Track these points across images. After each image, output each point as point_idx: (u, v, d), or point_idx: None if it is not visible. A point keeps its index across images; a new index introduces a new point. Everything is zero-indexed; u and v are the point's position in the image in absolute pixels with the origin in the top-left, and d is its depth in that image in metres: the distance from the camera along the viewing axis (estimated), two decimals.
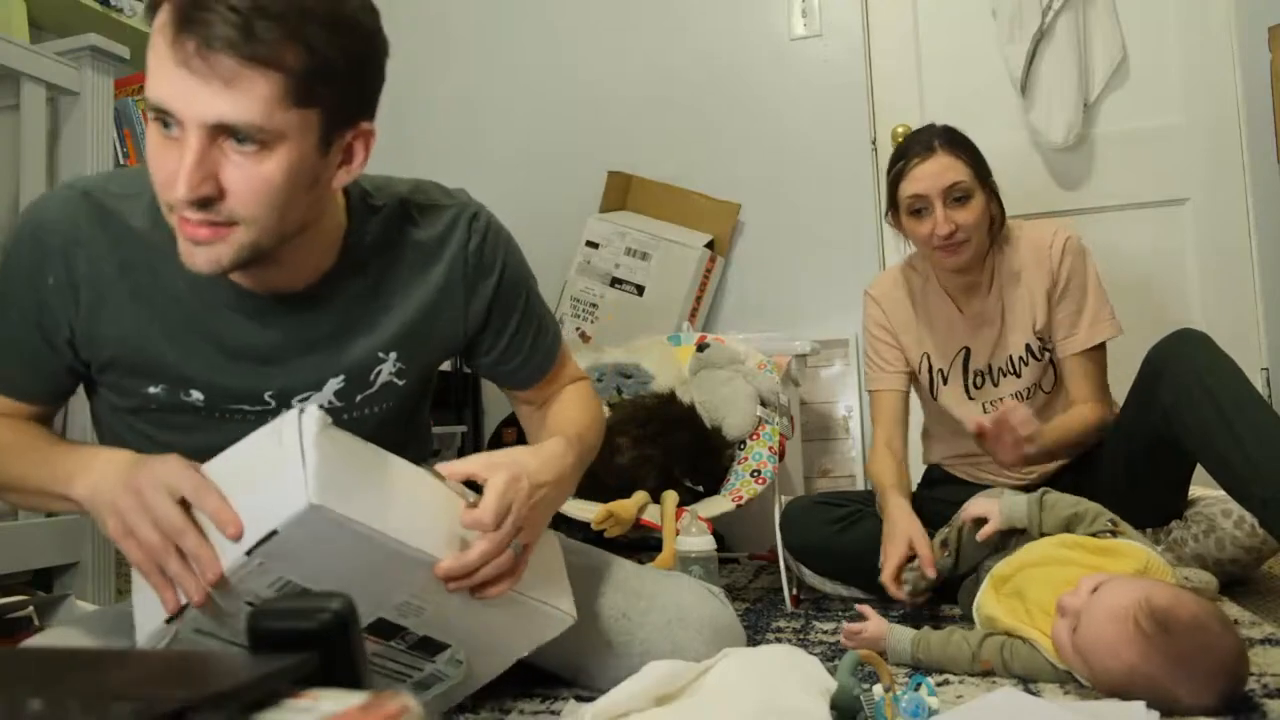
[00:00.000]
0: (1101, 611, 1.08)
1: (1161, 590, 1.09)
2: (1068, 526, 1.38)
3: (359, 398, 1.08)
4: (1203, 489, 1.74)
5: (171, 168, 0.84)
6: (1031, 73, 2.51)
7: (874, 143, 2.67)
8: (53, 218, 0.99)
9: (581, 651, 1.19)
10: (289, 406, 1.02)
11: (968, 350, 1.83)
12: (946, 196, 1.70)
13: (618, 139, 2.85)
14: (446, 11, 3.02)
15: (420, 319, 1.09)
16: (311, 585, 0.88)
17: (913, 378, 1.91)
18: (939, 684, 1.20)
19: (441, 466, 0.99)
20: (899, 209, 1.78)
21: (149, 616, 0.89)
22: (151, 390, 1.02)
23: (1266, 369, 2.37)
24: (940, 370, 1.86)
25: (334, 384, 1.05)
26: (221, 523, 0.84)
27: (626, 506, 1.77)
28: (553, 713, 1.16)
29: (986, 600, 1.33)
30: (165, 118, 0.84)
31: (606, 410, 1.98)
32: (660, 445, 1.87)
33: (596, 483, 1.88)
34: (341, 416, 1.05)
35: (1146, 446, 1.62)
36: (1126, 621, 1.05)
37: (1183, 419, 1.50)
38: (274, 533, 0.83)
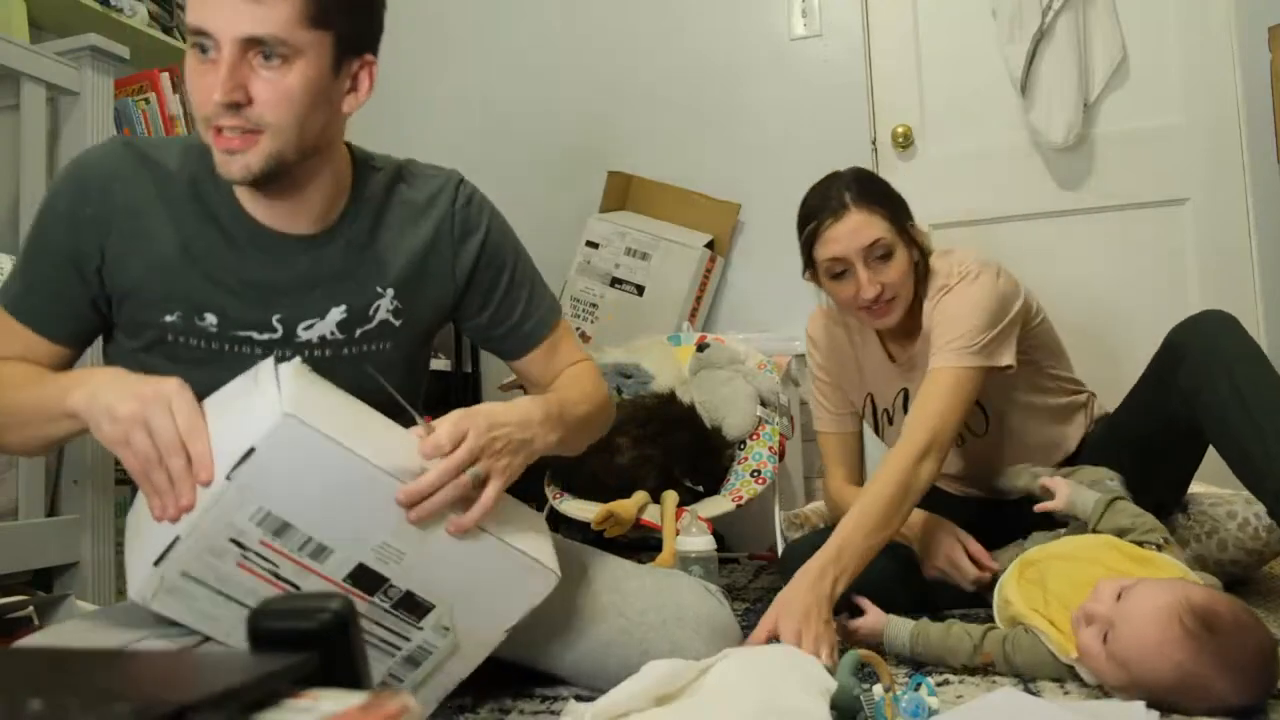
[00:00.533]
0: (1140, 615, 1.07)
1: (1196, 590, 1.09)
2: (1120, 533, 1.37)
3: (359, 332, 1.17)
4: (1202, 486, 1.74)
5: (209, 84, 0.99)
6: (1031, 73, 2.51)
7: (874, 143, 2.67)
8: (93, 160, 1.12)
9: (579, 651, 1.19)
10: (294, 334, 1.13)
11: (905, 391, 1.75)
12: (868, 256, 1.57)
13: (618, 139, 2.85)
14: (446, 11, 3.02)
15: (412, 266, 1.20)
16: (291, 520, 0.92)
17: (861, 418, 1.85)
18: (939, 684, 1.20)
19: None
20: (818, 271, 1.64)
21: (139, 564, 0.92)
22: (168, 319, 1.11)
23: None
24: (885, 410, 1.79)
25: (336, 314, 1.15)
26: (198, 460, 0.89)
27: (626, 506, 1.78)
28: (553, 713, 1.16)
29: (1008, 582, 1.33)
30: (203, 41, 0.99)
31: None
32: (660, 445, 1.87)
33: (596, 483, 1.88)
34: (342, 351, 1.16)
35: (1161, 428, 1.57)
36: (1171, 623, 1.04)
37: (1203, 402, 1.45)
38: (251, 450, 0.88)
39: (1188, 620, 1.03)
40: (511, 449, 1.05)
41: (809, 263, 1.67)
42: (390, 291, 1.18)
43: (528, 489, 2.49)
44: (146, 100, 2.29)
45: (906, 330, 1.69)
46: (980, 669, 1.27)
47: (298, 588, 0.95)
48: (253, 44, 0.98)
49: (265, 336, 1.13)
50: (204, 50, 1.00)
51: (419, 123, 2.92)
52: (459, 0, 3.02)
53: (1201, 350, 1.48)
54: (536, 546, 1.07)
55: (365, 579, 0.97)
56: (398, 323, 1.20)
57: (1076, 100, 2.48)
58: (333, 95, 1.06)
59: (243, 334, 1.12)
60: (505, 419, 1.06)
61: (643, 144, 2.82)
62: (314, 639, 0.53)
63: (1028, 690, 1.17)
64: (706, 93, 2.80)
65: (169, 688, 0.47)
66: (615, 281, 2.65)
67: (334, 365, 1.14)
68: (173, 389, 0.92)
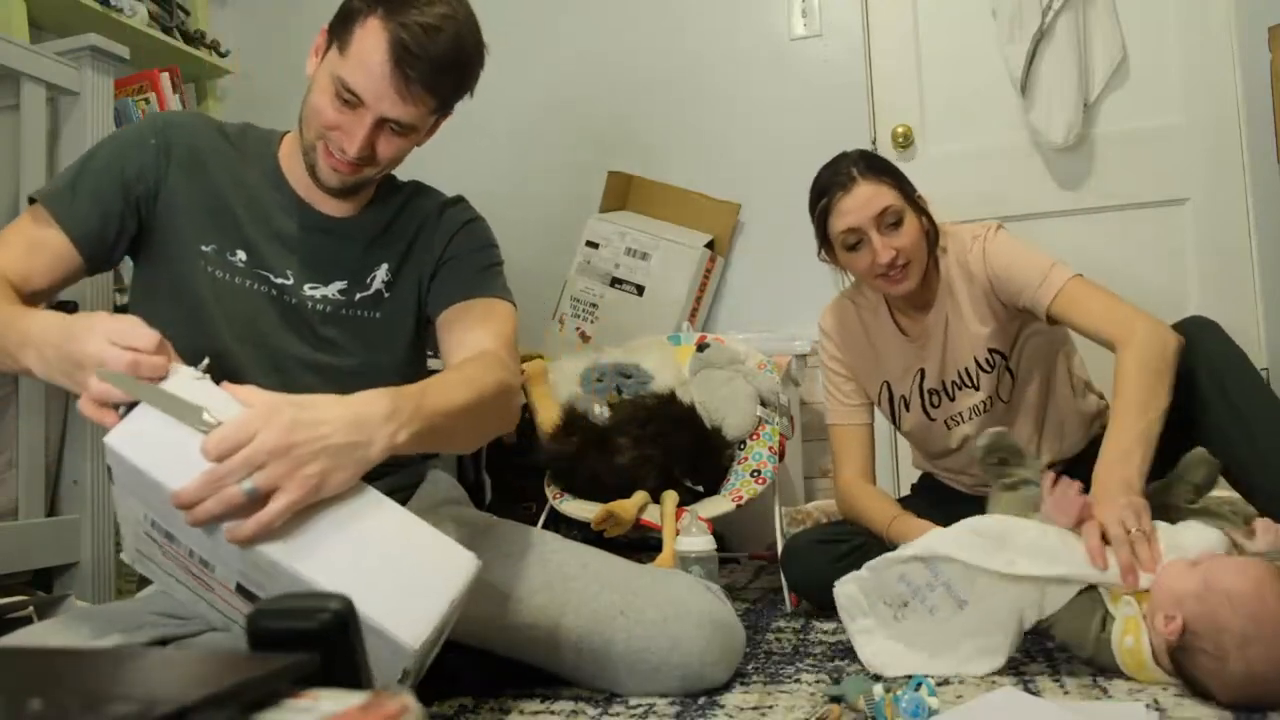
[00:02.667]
0: (1236, 559, 1.14)
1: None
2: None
3: (358, 296, 1.32)
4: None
5: (341, 122, 1.21)
6: (1031, 73, 2.51)
7: (874, 143, 2.67)
8: (163, 114, 1.35)
9: (580, 651, 1.19)
10: (301, 288, 1.29)
11: (922, 371, 1.78)
12: (880, 224, 1.64)
13: (618, 139, 2.85)
14: None
15: (403, 251, 1.36)
16: (171, 531, 0.93)
17: (874, 409, 1.87)
18: (939, 684, 1.20)
19: (226, 386, 0.97)
20: (833, 246, 1.73)
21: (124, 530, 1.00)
22: (204, 248, 1.25)
23: (1266, 369, 2.37)
24: (903, 397, 1.81)
25: (337, 284, 1.31)
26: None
27: (626, 506, 1.78)
28: (552, 713, 1.16)
29: None
30: (351, 99, 1.19)
31: (606, 410, 1.99)
32: (660, 445, 1.87)
33: (596, 483, 1.88)
34: (340, 310, 1.30)
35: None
36: (1269, 566, 1.10)
37: (1189, 407, 1.47)
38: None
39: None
40: (327, 454, 0.91)
41: (824, 240, 1.74)
42: (385, 265, 1.34)
43: (527, 489, 2.51)
44: (146, 100, 2.30)
45: (920, 301, 1.75)
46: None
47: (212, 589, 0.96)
48: (388, 121, 1.21)
49: (280, 280, 1.28)
50: (347, 103, 1.19)
51: None
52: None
53: (1187, 356, 1.49)
54: (332, 574, 0.87)
55: (245, 593, 0.93)
56: (388, 294, 1.34)
57: (1076, 100, 2.48)
58: (420, 142, 1.31)
59: (263, 273, 1.27)
60: (323, 416, 0.93)
61: (643, 144, 2.82)
62: (314, 639, 0.53)
63: (1028, 690, 1.17)
64: (706, 93, 2.80)
65: (169, 688, 0.47)
66: (615, 281, 2.65)
67: (333, 321, 1.30)
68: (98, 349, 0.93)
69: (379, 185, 1.36)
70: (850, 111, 2.68)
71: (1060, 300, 1.58)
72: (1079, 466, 1.70)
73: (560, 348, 2.51)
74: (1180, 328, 1.53)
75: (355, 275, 1.33)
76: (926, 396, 1.80)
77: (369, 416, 0.97)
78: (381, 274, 1.34)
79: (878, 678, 1.25)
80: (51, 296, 1.25)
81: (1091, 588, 1.23)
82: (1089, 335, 1.58)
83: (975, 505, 1.72)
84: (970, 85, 2.62)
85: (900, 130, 2.64)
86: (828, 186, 1.70)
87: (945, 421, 1.79)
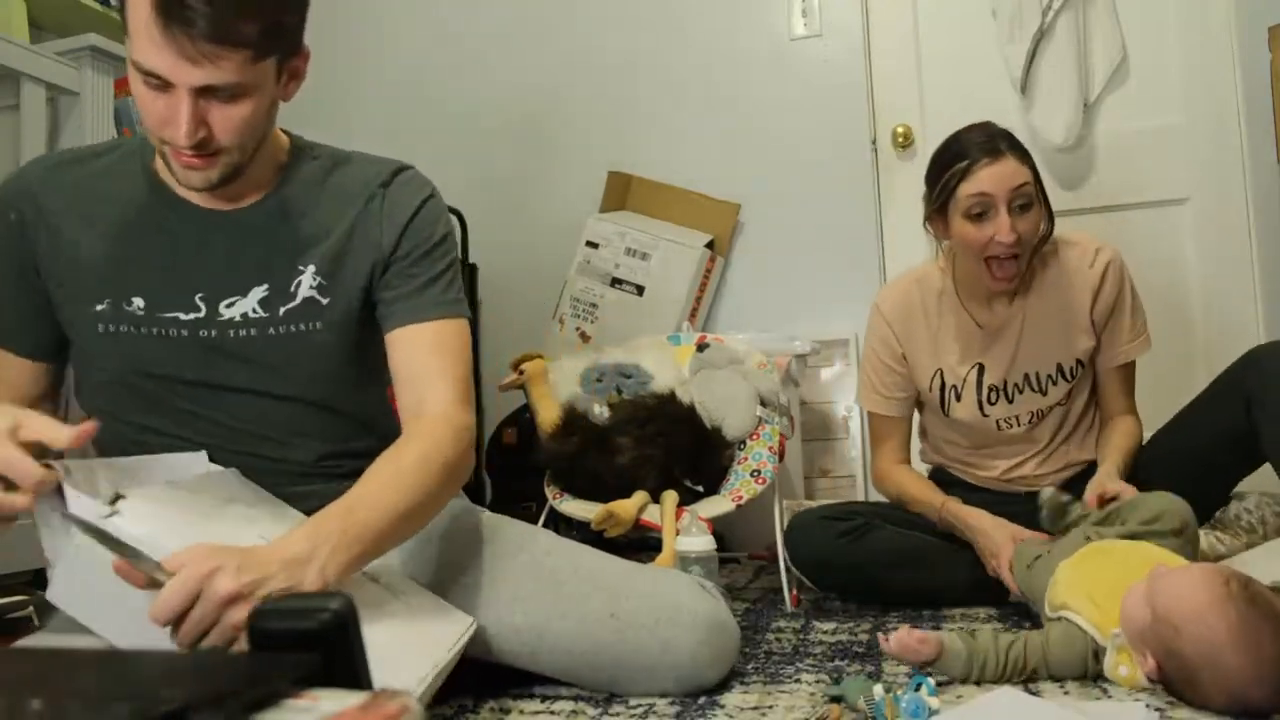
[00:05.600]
0: (1190, 575, 1.09)
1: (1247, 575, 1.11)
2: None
3: (282, 310, 1.17)
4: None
5: (163, 112, 1.04)
6: (1031, 73, 2.50)
7: (874, 143, 2.67)
8: (10, 179, 1.21)
9: (573, 652, 1.18)
10: (217, 312, 1.15)
11: (981, 366, 1.79)
12: (1012, 201, 1.63)
13: (618, 139, 2.85)
14: (446, 12, 3.02)
15: (338, 244, 1.19)
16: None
17: (913, 403, 1.89)
18: (939, 684, 1.20)
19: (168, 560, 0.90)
20: (949, 212, 1.69)
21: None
22: (99, 308, 1.14)
23: None
24: (954, 387, 1.81)
25: (258, 292, 1.16)
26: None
27: (626, 506, 1.77)
28: (552, 713, 1.16)
29: (1065, 564, 1.35)
30: (157, 82, 1.02)
31: (606, 410, 1.99)
32: (660, 445, 1.87)
33: (597, 483, 1.88)
34: (268, 330, 1.16)
35: (1210, 444, 1.63)
36: (1216, 583, 1.05)
37: (1268, 413, 1.52)
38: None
39: (1233, 584, 1.04)
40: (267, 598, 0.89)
41: (942, 205, 1.70)
42: (311, 268, 1.17)
43: (527, 489, 2.51)
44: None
45: (999, 295, 1.76)
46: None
47: None
48: (208, 89, 1.03)
49: (190, 317, 1.15)
50: (156, 88, 1.03)
51: (419, 123, 2.92)
52: (460, 1, 3.01)
53: (1270, 365, 1.54)
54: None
55: None
56: (325, 300, 1.18)
57: (1076, 100, 2.48)
58: (276, 97, 1.12)
59: (169, 315, 1.15)
60: (262, 571, 0.89)
61: (643, 144, 2.82)
62: (314, 639, 0.53)
63: (1028, 690, 1.17)
64: (706, 93, 2.80)
65: (169, 688, 0.47)
66: (615, 281, 2.65)
67: (263, 347, 1.16)
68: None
69: (285, 164, 1.20)
70: (850, 111, 2.68)
71: (1119, 369, 1.77)
72: (1086, 475, 1.72)
73: (560, 348, 2.51)
74: (1262, 351, 1.61)
75: (275, 279, 1.16)
76: (985, 392, 1.80)
77: (299, 556, 0.93)
78: (307, 279, 1.17)
79: (877, 678, 1.24)
80: (57, 397, 1.23)
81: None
82: (1102, 395, 1.80)
83: (979, 495, 1.75)
84: (970, 85, 2.61)
85: (900, 130, 2.64)
86: (969, 149, 1.67)
87: (999, 421, 1.79)
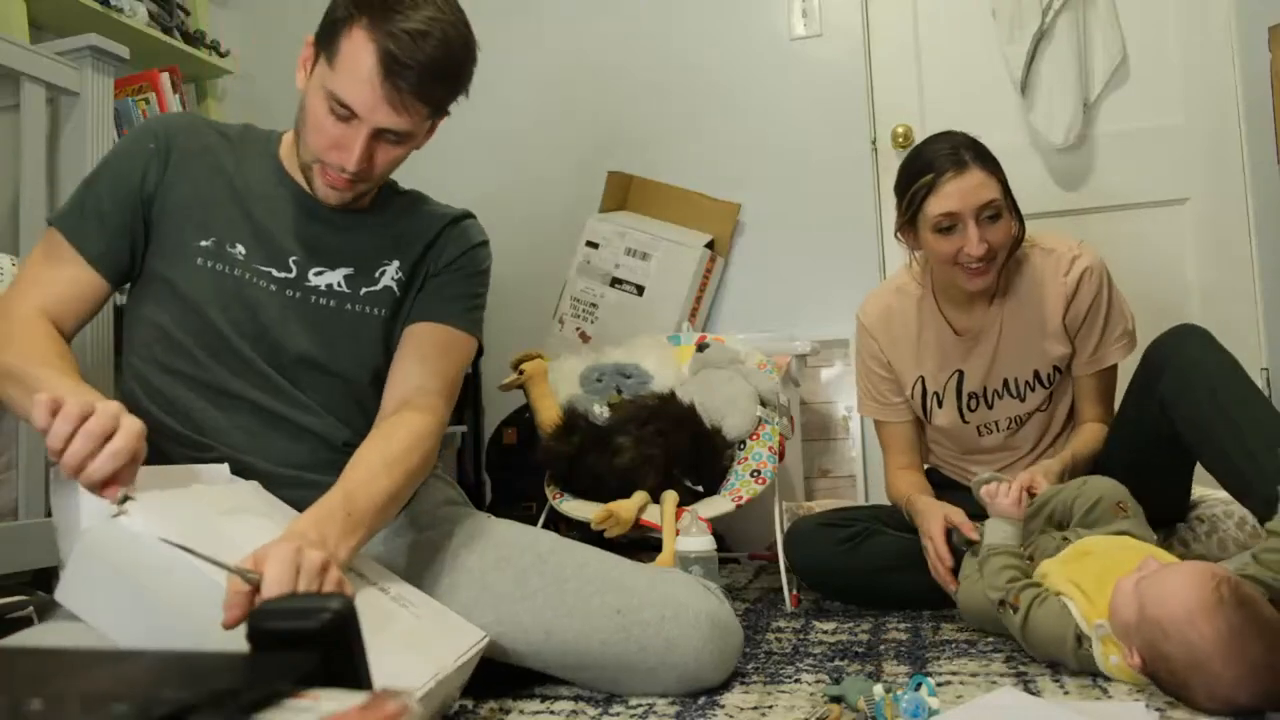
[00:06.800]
0: (1182, 573, 1.07)
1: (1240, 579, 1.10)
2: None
3: (364, 290, 1.31)
4: (1205, 489, 1.75)
5: (338, 138, 1.19)
6: (1031, 73, 2.51)
7: (874, 143, 2.67)
8: (162, 115, 1.37)
9: (576, 651, 1.19)
10: (305, 277, 1.27)
11: (961, 373, 1.79)
12: (979, 215, 1.62)
13: (618, 139, 2.85)
14: None
15: (416, 254, 1.34)
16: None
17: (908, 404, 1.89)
18: (939, 684, 1.20)
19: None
20: (918, 225, 1.69)
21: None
22: (203, 243, 1.24)
23: (1266, 369, 2.37)
24: (935, 394, 1.82)
25: (343, 270, 1.30)
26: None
27: (626, 506, 1.77)
28: (553, 713, 1.16)
29: (1052, 561, 1.36)
30: (344, 112, 1.17)
31: (606, 410, 1.99)
32: (660, 445, 1.87)
33: (597, 483, 1.88)
34: (345, 305, 1.29)
35: (1147, 444, 1.60)
36: (1207, 586, 1.03)
37: (1183, 415, 1.49)
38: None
39: (1224, 589, 1.03)
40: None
41: (911, 218, 1.70)
42: (396, 263, 1.32)
43: (527, 489, 2.50)
44: (146, 100, 2.29)
45: (975, 301, 1.76)
46: (979, 670, 1.27)
47: None
48: (384, 131, 1.19)
49: (282, 275, 1.27)
50: (342, 118, 1.18)
51: None
52: (460, 2, 3.01)
53: (1178, 364, 1.51)
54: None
55: None
56: (399, 294, 1.32)
57: (1076, 100, 2.48)
58: (418, 146, 1.29)
59: (264, 269, 1.26)
60: (321, 546, 0.97)
61: (643, 144, 2.82)
62: (314, 639, 0.53)
63: (1028, 690, 1.17)
64: (706, 93, 2.80)
65: (169, 688, 0.47)
66: (615, 281, 2.65)
67: (337, 319, 1.28)
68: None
69: (380, 189, 1.35)
70: (850, 111, 2.68)
71: (1093, 376, 1.76)
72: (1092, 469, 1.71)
73: (560, 348, 2.51)
74: (1170, 336, 1.57)
75: (362, 265, 1.30)
76: (965, 400, 1.80)
77: (311, 544, 0.97)
78: (393, 271, 1.32)
79: (877, 678, 1.24)
80: (89, 319, 1.27)
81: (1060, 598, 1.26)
82: (1075, 400, 1.79)
83: (970, 495, 1.75)
84: (970, 85, 2.61)
85: (900, 130, 2.64)
86: (934, 162, 1.65)
87: (979, 428, 1.80)
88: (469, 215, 1.41)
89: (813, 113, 2.71)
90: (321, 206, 1.29)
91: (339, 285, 1.29)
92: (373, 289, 1.31)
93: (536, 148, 2.92)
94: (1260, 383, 2.34)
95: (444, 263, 1.35)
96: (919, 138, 2.63)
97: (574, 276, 2.69)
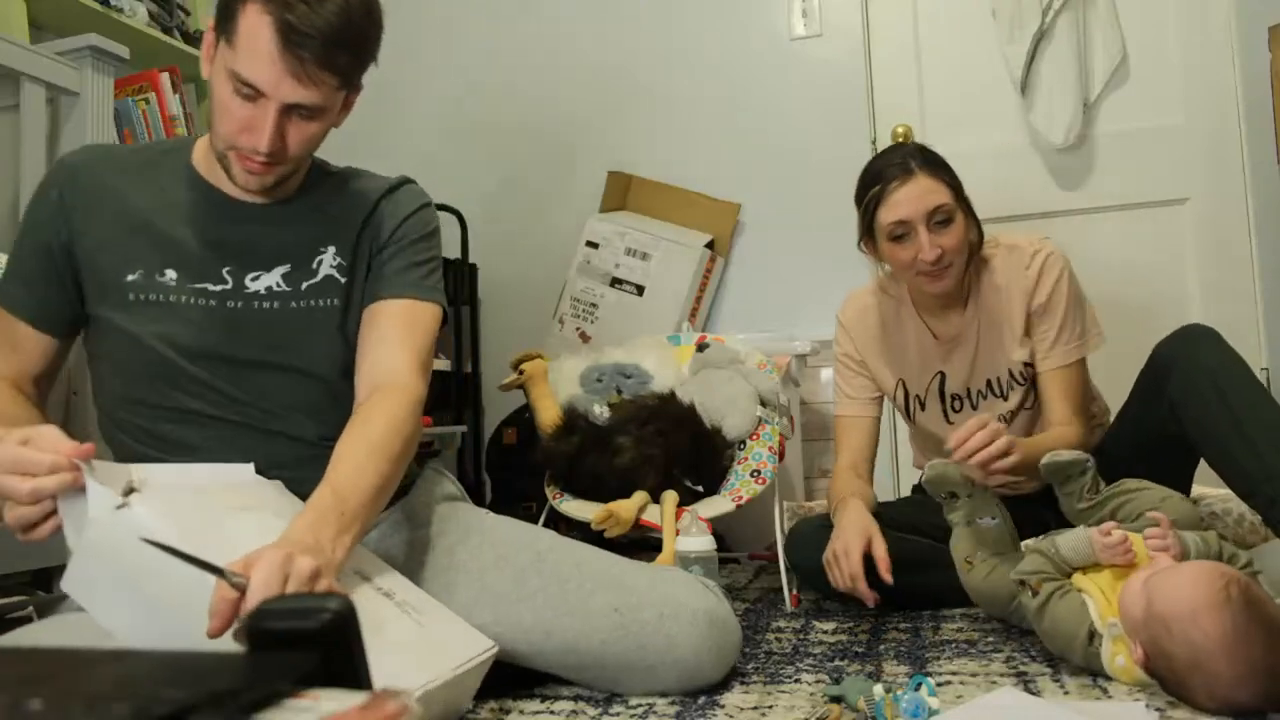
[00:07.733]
0: (1191, 571, 1.07)
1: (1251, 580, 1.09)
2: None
3: (304, 285, 1.27)
4: (1204, 488, 1.74)
5: (246, 120, 1.15)
6: (1031, 73, 2.51)
7: (874, 143, 2.67)
8: (60, 161, 1.30)
9: (577, 650, 1.19)
10: (243, 285, 1.25)
11: (943, 375, 1.79)
12: (930, 220, 1.63)
13: (618, 139, 2.85)
14: (446, 11, 3.02)
15: (353, 233, 1.30)
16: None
17: (882, 403, 1.89)
18: (939, 684, 1.20)
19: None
20: (875, 236, 1.71)
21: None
22: (131, 278, 1.22)
23: (1266, 369, 2.37)
24: (917, 396, 1.82)
25: (280, 269, 1.27)
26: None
27: (626, 506, 1.77)
28: (553, 713, 1.16)
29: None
30: (250, 92, 1.13)
31: (606, 410, 1.99)
32: (660, 445, 1.87)
33: (597, 483, 1.88)
34: (290, 303, 1.26)
35: (1151, 443, 1.59)
36: (1216, 584, 1.03)
37: (1191, 415, 1.48)
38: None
39: (1233, 589, 1.03)
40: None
41: (868, 229, 1.71)
42: (332, 249, 1.29)
43: (527, 489, 2.50)
44: (146, 100, 2.29)
45: (951, 302, 1.75)
46: (979, 670, 1.27)
47: None
48: (293, 107, 1.15)
49: (219, 288, 1.24)
50: (248, 98, 1.14)
51: (418, 123, 2.92)
52: (460, 1, 3.01)
53: (1187, 365, 1.50)
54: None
55: None
56: (343, 279, 1.28)
57: (1076, 100, 2.48)
58: (332, 124, 1.24)
59: (198, 286, 1.23)
60: (316, 553, 0.96)
61: (643, 144, 2.82)
62: (314, 639, 0.53)
63: (1028, 690, 1.17)
64: (706, 93, 2.80)
65: (169, 688, 0.47)
66: (615, 281, 2.65)
67: (284, 319, 1.25)
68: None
69: (309, 172, 1.32)
70: (850, 111, 2.68)
71: (1054, 374, 1.71)
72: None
73: (560, 348, 2.51)
74: (1178, 336, 1.55)
75: (298, 259, 1.27)
76: (948, 401, 1.80)
77: (307, 550, 0.96)
78: (329, 258, 1.28)
79: (877, 678, 1.24)
80: (53, 374, 1.29)
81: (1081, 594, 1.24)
82: (1041, 399, 1.73)
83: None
84: (970, 85, 2.61)
85: (900, 130, 2.64)
86: (882, 173, 1.67)
87: None
88: (407, 181, 1.37)
89: (813, 113, 2.71)
90: (247, 207, 1.26)
91: (278, 285, 1.26)
92: (313, 281, 1.27)
93: (537, 148, 2.92)
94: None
95: (386, 236, 1.31)
96: (919, 138, 2.64)
97: (574, 276, 2.69)
